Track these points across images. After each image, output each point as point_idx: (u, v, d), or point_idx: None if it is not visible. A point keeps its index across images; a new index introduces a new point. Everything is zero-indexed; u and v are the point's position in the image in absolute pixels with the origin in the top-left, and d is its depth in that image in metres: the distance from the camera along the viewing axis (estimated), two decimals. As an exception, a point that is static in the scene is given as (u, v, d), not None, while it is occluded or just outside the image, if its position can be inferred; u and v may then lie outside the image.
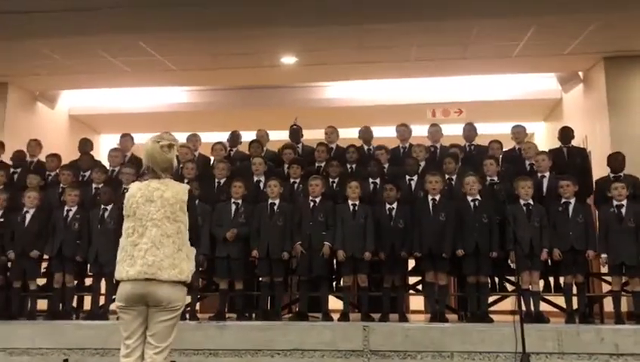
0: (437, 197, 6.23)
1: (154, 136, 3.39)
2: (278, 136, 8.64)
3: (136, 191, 3.30)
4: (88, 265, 6.66)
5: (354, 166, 7.40)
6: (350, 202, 6.35)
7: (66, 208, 6.65)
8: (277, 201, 6.45)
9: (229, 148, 8.11)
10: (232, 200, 6.52)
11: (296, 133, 8.13)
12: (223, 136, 8.31)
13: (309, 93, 10.34)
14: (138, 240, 3.19)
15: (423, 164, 7.14)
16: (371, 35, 7.88)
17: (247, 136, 8.27)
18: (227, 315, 6.33)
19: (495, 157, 6.98)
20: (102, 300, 6.66)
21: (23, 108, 9.79)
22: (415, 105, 10.01)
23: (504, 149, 7.52)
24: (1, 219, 6.72)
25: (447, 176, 6.73)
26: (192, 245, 3.34)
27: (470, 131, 7.72)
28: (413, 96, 10.11)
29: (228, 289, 6.43)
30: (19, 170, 7.81)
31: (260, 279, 6.49)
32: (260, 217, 6.40)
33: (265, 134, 8.18)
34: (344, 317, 6.17)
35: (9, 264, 6.67)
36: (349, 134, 8.47)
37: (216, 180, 7.14)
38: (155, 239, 3.18)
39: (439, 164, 7.08)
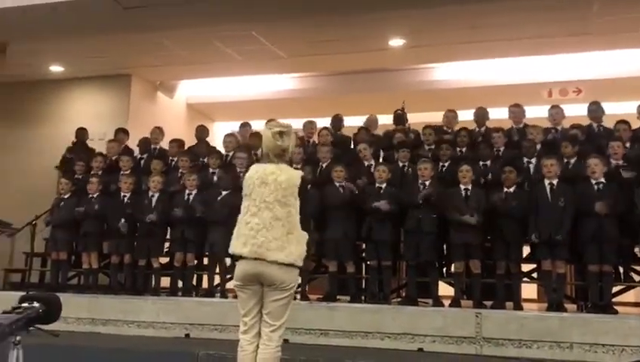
0: (555, 182, 5.92)
1: (268, 123, 3.48)
2: (387, 120, 8.57)
3: (253, 173, 3.41)
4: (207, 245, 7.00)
5: (464, 149, 7.21)
6: (462, 186, 6.20)
7: (186, 192, 7.03)
8: (383, 186, 6.41)
9: (334, 132, 8.15)
10: (337, 183, 6.55)
11: (400, 118, 8.04)
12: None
13: (417, 75, 10.13)
14: (250, 220, 3.30)
15: (539, 146, 6.81)
16: (484, 14, 7.58)
17: (356, 121, 8.27)
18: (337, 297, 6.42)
19: (622, 138, 6.48)
20: (216, 279, 7.00)
21: (144, 98, 10.43)
22: (530, 85, 9.51)
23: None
24: (128, 201, 7.23)
25: (565, 160, 6.37)
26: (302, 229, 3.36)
27: (597, 111, 7.17)
28: (528, 75, 9.60)
29: (337, 272, 6.52)
30: (145, 155, 8.36)
31: (368, 262, 6.52)
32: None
33: (375, 119, 8.16)
34: (455, 303, 6.06)
35: (135, 243, 7.17)
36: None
37: (320, 164, 7.21)
38: (265, 221, 3.27)
39: (558, 146, 6.71)
